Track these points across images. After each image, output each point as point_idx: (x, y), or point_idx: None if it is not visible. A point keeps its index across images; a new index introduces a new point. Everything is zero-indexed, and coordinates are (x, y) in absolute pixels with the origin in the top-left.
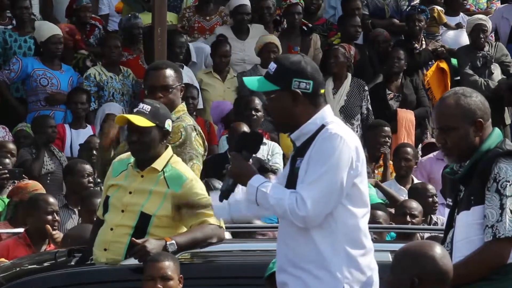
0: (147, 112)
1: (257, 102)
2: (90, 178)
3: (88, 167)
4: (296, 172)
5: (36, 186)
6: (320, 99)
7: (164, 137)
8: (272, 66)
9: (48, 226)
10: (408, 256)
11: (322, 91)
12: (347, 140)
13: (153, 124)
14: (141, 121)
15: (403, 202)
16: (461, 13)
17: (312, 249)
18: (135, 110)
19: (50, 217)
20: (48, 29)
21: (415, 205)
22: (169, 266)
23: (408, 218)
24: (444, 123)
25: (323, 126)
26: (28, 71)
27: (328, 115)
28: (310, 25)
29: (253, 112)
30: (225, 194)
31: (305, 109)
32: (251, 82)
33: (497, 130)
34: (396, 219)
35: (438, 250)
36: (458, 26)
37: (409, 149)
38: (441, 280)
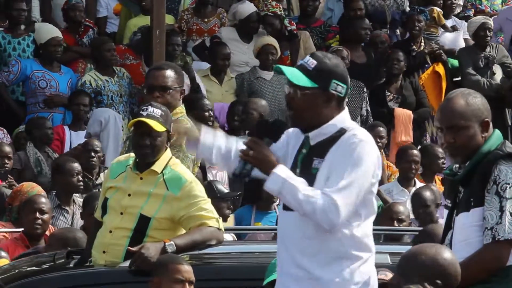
0: (159, 116)
1: (264, 104)
2: (79, 176)
3: (76, 166)
4: (314, 172)
5: (31, 186)
6: (344, 103)
7: (168, 141)
8: (310, 61)
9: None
10: (414, 256)
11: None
12: (373, 148)
13: (165, 129)
14: (157, 125)
15: (390, 206)
16: (453, 16)
17: (321, 250)
18: (145, 113)
19: (32, 216)
20: (47, 31)
21: (402, 209)
22: (192, 271)
23: (396, 223)
24: (454, 122)
25: (342, 130)
26: (27, 73)
27: (347, 119)
28: (290, 28)
29: (255, 113)
30: (240, 178)
31: (331, 111)
32: (289, 72)
33: (497, 131)
34: (384, 223)
35: (447, 254)
36: (454, 28)
37: (415, 151)
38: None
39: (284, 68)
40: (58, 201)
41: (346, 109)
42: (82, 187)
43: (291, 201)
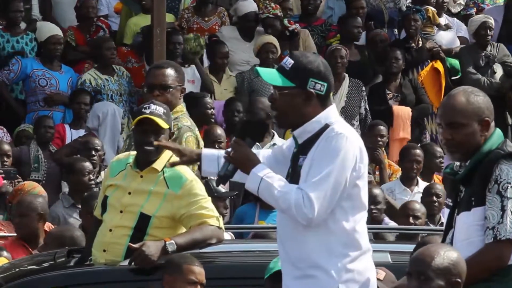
0: (162, 114)
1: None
2: (90, 175)
3: (88, 165)
4: (298, 170)
5: (32, 185)
6: (329, 101)
7: (170, 138)
8: (288, 62)
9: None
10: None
11: (331, 93)
12: (352, 141)
13: (168, 126)
14: (162, 123)
15: (407, 203)
16: (444, 15)
17: (308, 248)
18: (148, 111)
19: (17, 219)
20: (47, 30)
21: (418, 207)
22: (204, 273)
23: (411, 220)
24: (454, 119)
25: (327, 126)
26: (27, 71)
27: (332, 115)
28: (291, 28)
29: (236, 114)
30: (223, 179)
31: (313, 109)
32: (266, 73)
33: (498, 130)
34: (399, 220)
35: (456, 253)
36: (447, 26)
37: (418, 151)
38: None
39: (261, 70)
40: (72, 200)
41: (333, 106)
42: (94, 185)
43: (269, 199)
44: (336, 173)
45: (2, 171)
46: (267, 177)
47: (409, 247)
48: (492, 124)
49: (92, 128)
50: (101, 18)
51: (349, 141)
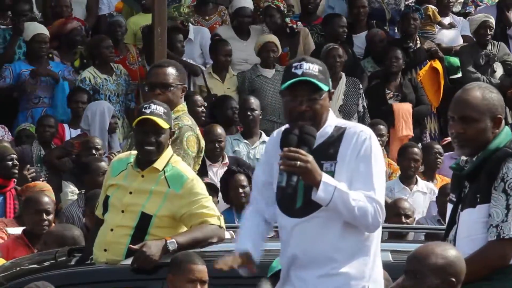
0: (162, 114)
1: (253, 101)
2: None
3: (103, 165)
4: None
5: (44, 187)
6: None
7: (170, 138)
8: (312, 66)
9: None
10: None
11: None
12: (377, 141)
13: (169, 126)
14: (162, 123)
15: (396, 202)
16: (450, 13)
17: (340, 247)
18: (148, 111)
19: (38, 217)
20: (32, 29)
21: (408, 205)
22: (206, 271)
23: (403, 219)
24: (467, 113)
25: (338, 128)
26: (18, 72)
27: (334, 116)
28: (293, 26)
29: (249, 113)
30: (289, 190)
31: (328, 112)
32: (314, 81)
33: (507, 129)
34: (390, 219)
35: (454, 251)
36: (451, 25)
37: (416, 149)
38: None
39: (310, 78)
40: None
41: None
42: (96, 190)
43: (342, 208)
44: (384, 176)
45: (33, 170)
46: (338, 185)
47: (410, 246)
48: (503, 122)
49: (85, 129)
50: (76, 16)
51: (378, 143)
